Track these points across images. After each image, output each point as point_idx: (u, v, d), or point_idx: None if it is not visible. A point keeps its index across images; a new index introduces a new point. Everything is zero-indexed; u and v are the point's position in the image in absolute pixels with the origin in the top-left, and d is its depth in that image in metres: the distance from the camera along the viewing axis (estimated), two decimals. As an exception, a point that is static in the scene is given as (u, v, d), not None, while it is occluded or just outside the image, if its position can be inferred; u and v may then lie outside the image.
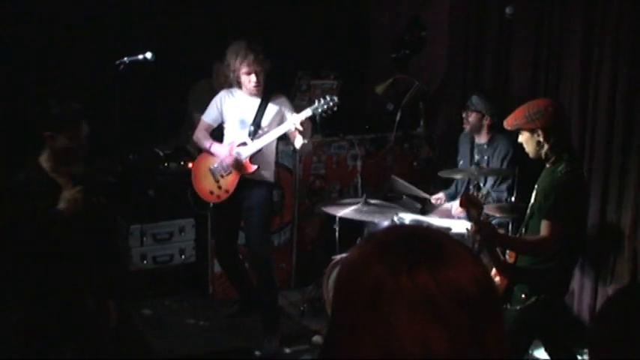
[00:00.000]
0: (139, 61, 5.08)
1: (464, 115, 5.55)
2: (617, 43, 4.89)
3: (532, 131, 3.79)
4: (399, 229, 1.24)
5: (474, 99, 5.47)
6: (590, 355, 1.64)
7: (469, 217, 3.82)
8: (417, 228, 1.24)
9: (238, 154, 5.00)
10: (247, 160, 5.00)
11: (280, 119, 5.05)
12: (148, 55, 5.07)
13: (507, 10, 5.61)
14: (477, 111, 5.43)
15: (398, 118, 6.30)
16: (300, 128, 4.83)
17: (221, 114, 5.12)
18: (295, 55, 6.62)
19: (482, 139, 5.52)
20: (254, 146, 5.00)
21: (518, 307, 3.82)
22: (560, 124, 3.88)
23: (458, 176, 5.42)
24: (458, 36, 6.46)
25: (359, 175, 6.21)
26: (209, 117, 5.16)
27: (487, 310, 1.11)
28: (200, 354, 5.05)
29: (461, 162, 5.66)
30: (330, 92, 6.32)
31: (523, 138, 3.86)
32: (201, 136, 5.16)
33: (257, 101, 5.04)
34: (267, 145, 5.03)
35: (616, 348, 1.52)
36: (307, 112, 4.89)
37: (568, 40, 5.32)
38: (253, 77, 4.91)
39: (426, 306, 1.07)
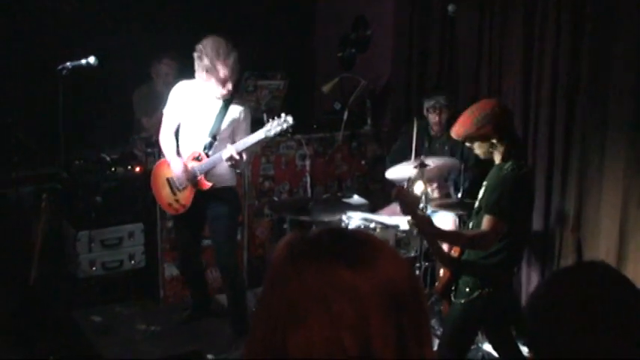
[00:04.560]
0: (82, 66, 5.02)
1: (434, 117, 5.47)
2: (557, 38, 4.99)
3: (484, 137, 3.80)
4: (318, 230, 1.25)
5: (442, 99, 5.43)
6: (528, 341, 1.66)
7: (403, 211, 3.82)
8: (340, 229, 1.25)
9: (193, 169, 4.80)
10: (202, 177, 4.81)
11: (237, 127, 4.83)
12: (92, 59, 5.00)
13: (450, 8, 5.68)
14: (447, 107, 5.40)
15: (345, 117, 6.32)
16: (232, 162, 4.64)
17: (181, 109, 4.82)
18: (241, 55, 6.59)
19: (438, 132, 5.54)
20: (208, 164, 4.77)
21: (462, 301, 3.87)
22: (508, 122, 3.93)
23: (405, 175, 5.41)
24: (402, 34, 6.52)
25: (308, 175, 6.21)
26: (171, 113, 4.88)
27: (408, 307, 1.13)
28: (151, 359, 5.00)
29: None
30: (276, 92, 6.34)
31: (474, 144, 3.85)
32: (165, 141, 4.89)
33: (218, 104, 4.77)
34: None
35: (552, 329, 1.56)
36: (259, 135, 4.67)
37: (510, 36, 5.42)
38: (229, 85, 4.64)
39: (348, 300, 1.08)
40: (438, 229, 3.94)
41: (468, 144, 3.90)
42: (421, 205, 4.68)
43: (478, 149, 3.87)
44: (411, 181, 4.88)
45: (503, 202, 3.71)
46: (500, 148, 3.81)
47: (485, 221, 3.74)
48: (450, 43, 6.03)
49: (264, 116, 5.79)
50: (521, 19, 5.27)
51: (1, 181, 5.72)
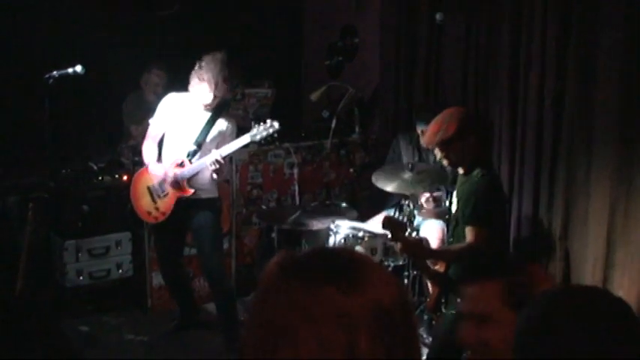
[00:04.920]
0: (68, 74, 5.00)
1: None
2: (543, 49, 5.01)
3: (463, 140, 3.83)
4: (311, 250, 1.27)
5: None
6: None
7: (393, 238, 3.86)
8: (332, 249, 1.26)
9: (175, 175, 4.80)
10: (184, 182, 4.81)
11: (222, 140, 4.84)
12: (78, 68, 5.00)
13: (437, 16, 5.70)
14: None
15: (333, 125, 6.32)
16: (216, 166, 4.64)
17: (167, 120, 4.86)
18: (229, 63, 6.59)
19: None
20: (191, 169, 4.79)
21: (453, 311, 3.89)
22: (476, 127, 3.99)
23: (393, 184, 5.40)
24: (389, 42, 6.53)
25: (296, 183, 6.21)
26: (156, 123, 4.91)
27: (396, 331, 1.13)
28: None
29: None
30: (264, 101, 6.35)
31: (452, 149, 3.86)
32: (147, 148, 4.92)
33: (205, 116, 4.81)
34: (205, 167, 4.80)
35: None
36: (245, 139, 4.70)
37: (496, 45, 5.44)
38: (213, 95, 4.67)
39: (326, 324, 1.09)
40: (427, 251, 3.97)
41: (439, 154, 3.92)
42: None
43: (453, 155, 3.88)
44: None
45: (479, 211, 3.75)
46: (468, 155, 3.84)
47: (468, 233, 3.78)
48: (437, 51, 6.05)
49: (253, 124, 5.79)
50: (507, 27, 5.29)
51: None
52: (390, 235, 3.88)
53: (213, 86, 4.67)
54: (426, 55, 6.16)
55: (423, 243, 4.10)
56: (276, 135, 4.79)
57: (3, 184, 5.62)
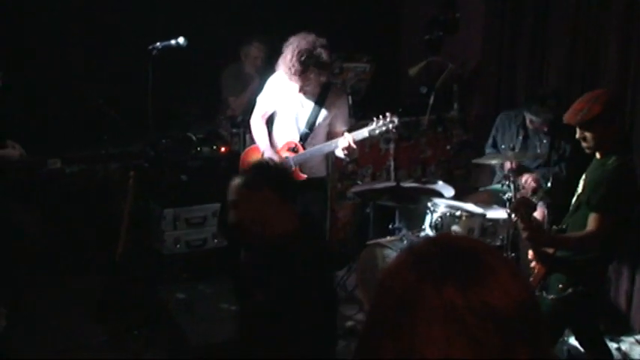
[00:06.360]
0: (171, 46, 5.07)
1: (539, 127, 5.19)
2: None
3: (604, 124, 3.66)
4: (439, 240, 1.19)
5: (550, 115, 5.03)
6: None
7: (520, 216, 3.71)
8: (458, 240, 1.17)
9: (287, 160, 4.76)
10: (297, 168, 4.77)
11: (334, 118, 4.79)
12: (181, 40, 5.06)
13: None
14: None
15: (431, 101, 6.23)
16: (347, 152, 4.59)
17: (276, 99, 4.84)
18: (327, 37, 6.56)
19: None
20: (304, 155, 4.77)
21: (553, 297, 3.75)
22: (619, 113, 3.81)
23: (493, 162, 5.29)
24: (493, 18, 6.35)
25: (392, 159, 6.16)
26: (265, 102, 4.90)
27: (521, 330, 1.07)
28: (232, 339, 5.04)
29: (503, 146, 5.33)
30: (362, 75, 6.29)
31: (592, 131, 3.67)
32: (257, 128, 4.92)
33: (315, 96, 4.76)
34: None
35: None
36: (363, 133, 4.60)
37: (605, 25, 5.21)
38: (295, 80, 4.59)
39: (451, 322, 1.03)
40: (547, 236, 3.83)
41: (579, 134, 3.74)
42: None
43: (592, 139, 3.68)
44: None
45: (610, 199, 3.58)
46: (607, 139, 3.67)
47: (593, 220, 3.61)
48: (543, 27, 5.84)
49: (349, 98, 5.74)
50: (618, 7, 5.06)
51: (91, 157, 5.86)
52: (517, 213, 3.73)
53: (293, 78, 4.58)
54: (531, 34, 5.96)
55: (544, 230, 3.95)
56: (395, 131, 4.71)
57: (106, 152, 5.77)
